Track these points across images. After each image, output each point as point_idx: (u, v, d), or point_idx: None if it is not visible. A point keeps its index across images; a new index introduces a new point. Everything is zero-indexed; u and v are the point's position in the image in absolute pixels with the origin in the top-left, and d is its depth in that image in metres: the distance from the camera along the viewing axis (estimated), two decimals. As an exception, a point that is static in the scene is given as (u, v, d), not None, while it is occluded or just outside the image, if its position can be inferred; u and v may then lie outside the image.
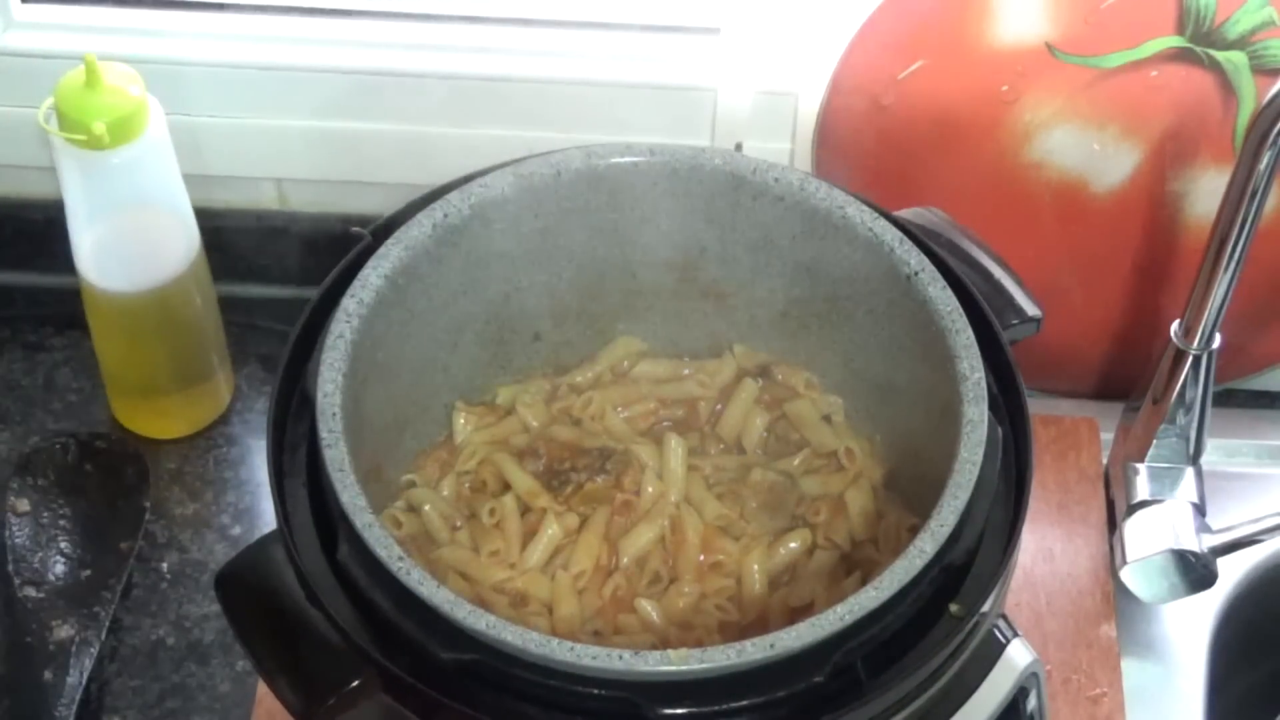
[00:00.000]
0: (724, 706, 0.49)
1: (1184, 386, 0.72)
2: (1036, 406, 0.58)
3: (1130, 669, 0.72)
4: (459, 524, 0.61)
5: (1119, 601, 0.73)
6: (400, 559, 0.49)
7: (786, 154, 0.77)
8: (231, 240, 0.80)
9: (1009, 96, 0.73)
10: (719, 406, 0.65)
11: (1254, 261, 0.69)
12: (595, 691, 0.48)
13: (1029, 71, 0.72)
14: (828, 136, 0.75)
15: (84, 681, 0.68)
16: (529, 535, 0.61)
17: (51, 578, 0.71)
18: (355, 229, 0.60)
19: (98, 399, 0.80)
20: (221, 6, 0.79)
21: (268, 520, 0.53)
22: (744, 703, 0.49)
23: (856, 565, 0.60)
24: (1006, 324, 0.58)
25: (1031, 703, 0.56)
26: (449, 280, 0.61)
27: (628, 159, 0.61)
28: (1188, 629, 0.74)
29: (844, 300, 0.62)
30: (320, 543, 0.52)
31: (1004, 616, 0.54)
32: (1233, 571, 0.75)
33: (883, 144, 0.75)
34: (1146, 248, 0.77)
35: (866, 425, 0.64)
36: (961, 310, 0.57)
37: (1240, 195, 0.65)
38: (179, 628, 0.72)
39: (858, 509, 0.61)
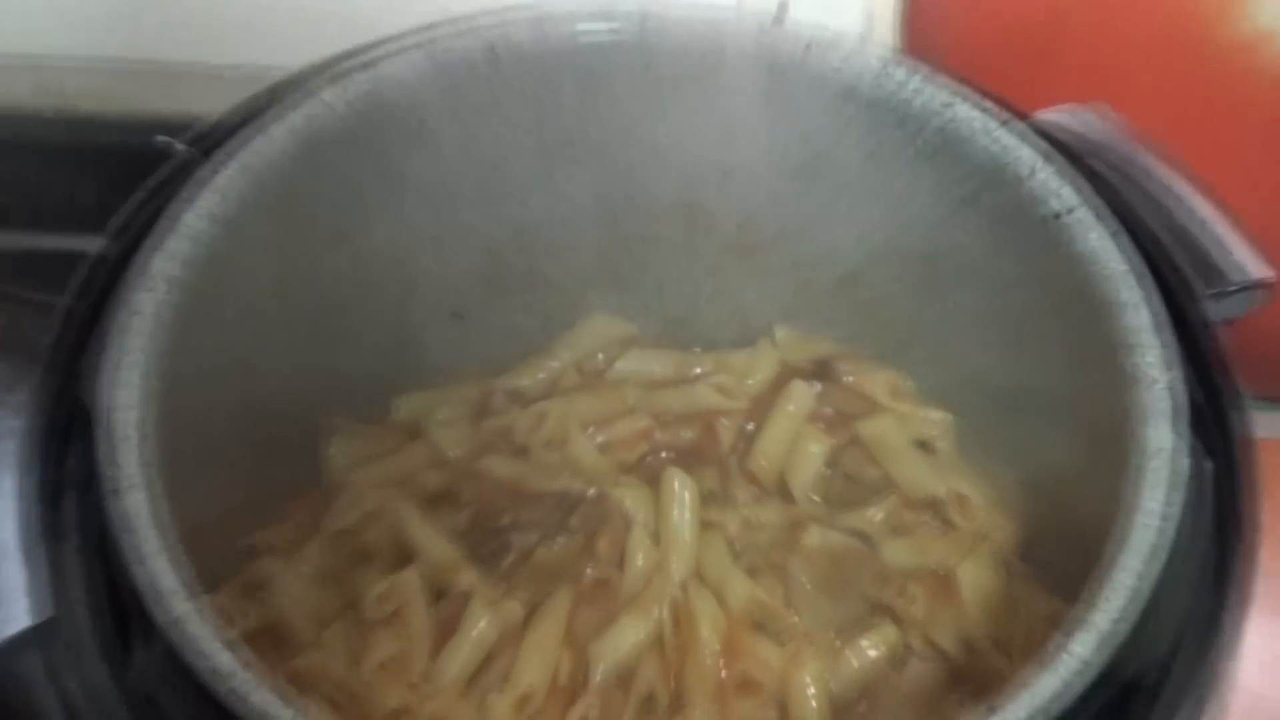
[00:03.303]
0: None
1: None
2: (1262, 426, 0.56)
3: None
4: (331, 616, 0.61)
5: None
6: (237, 672, 0.49)
7: (856, 25, 0.78)
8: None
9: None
10: (750, 426, 0.66)
11: None
12: None
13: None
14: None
15: None
16: (444, 634, 0.61)
17: None
18: (164, 139, 0.60)
19: None
20: None
21: (16, 613, 0.52)
22: None
23: (972, 681, 0.61)
24: (1214, 293, 0.58)
25: None
26: (317, 225, 0.61)
27: (604, 29, 0.61)
28: None
29: (949, 257, 0.62)
30: (104, 647, 0.51)
31: (1213, 766, 0.54)
32: None
33: (1010, 7, 0.75)
34: None
35: (988, 457, 0.65)
36: (1139, 271, 0.56)
37: None
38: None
39: (975, 592, 0.62)
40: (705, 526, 0.64)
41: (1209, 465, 0.55)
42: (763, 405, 0.66)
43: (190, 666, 0.49)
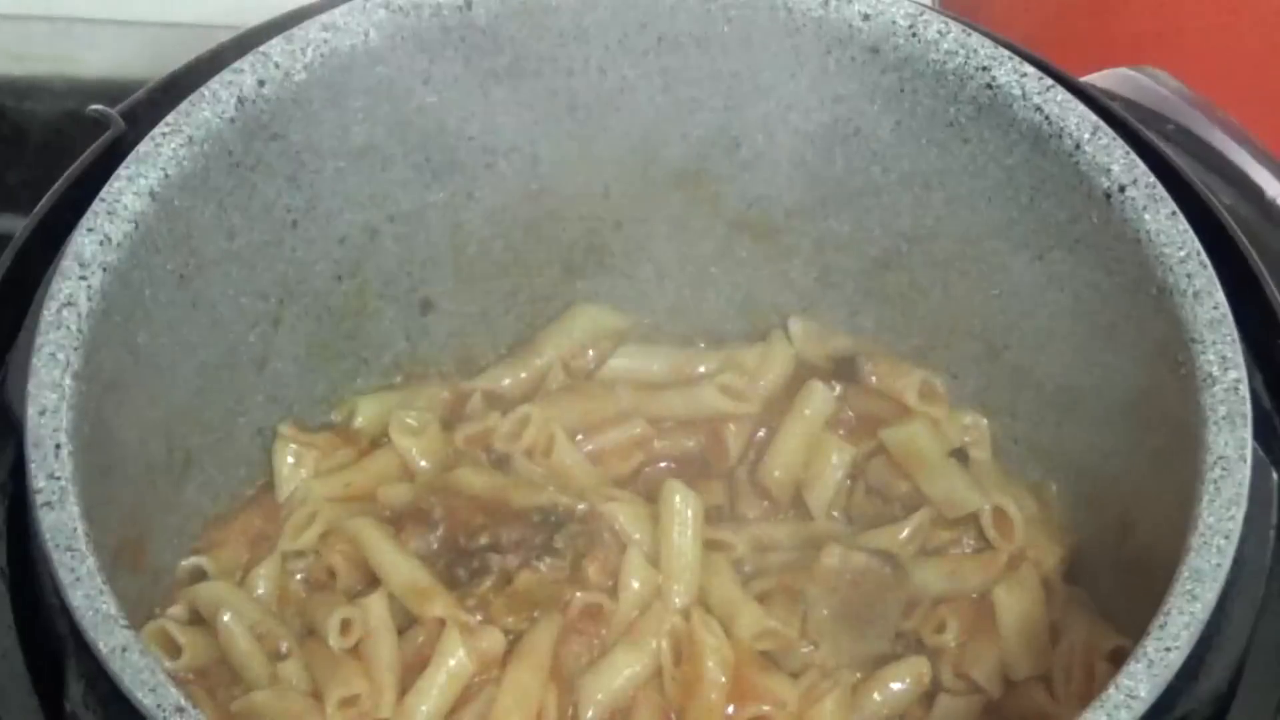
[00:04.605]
0: None
1: None
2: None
3: None
4: (286, 648, 0.61)
5: None
6: (180, 711, 0.49)
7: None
8: None
9: None
10: (762, 433, 0.66)
11: None
12: None
13: None
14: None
15: None
16: (414, 668, 0.61)
17: None
18: (96, 108, 0.60)
19: None
20: None
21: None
22: None
23: (1010, 719, 0.61)
24: (1286, 282, 0.59)
25: None
26: (266, 202, 0.61)
27: (595, -23, 0.62)
28: None
29: (992, 238, 0.63)
30: (31, 682, 0.52)
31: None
32: None
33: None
34: None
35: (1031, 467, 0.65)
36: (1200, 257, 0.57)
37: None
38: None
39: (1014, 619, 0.62)
40: (710, 547, 0.63)
41: (1277, 477, 0.55)
42: (776, 409, 0.66)
43: (129, 702, 0.49)
